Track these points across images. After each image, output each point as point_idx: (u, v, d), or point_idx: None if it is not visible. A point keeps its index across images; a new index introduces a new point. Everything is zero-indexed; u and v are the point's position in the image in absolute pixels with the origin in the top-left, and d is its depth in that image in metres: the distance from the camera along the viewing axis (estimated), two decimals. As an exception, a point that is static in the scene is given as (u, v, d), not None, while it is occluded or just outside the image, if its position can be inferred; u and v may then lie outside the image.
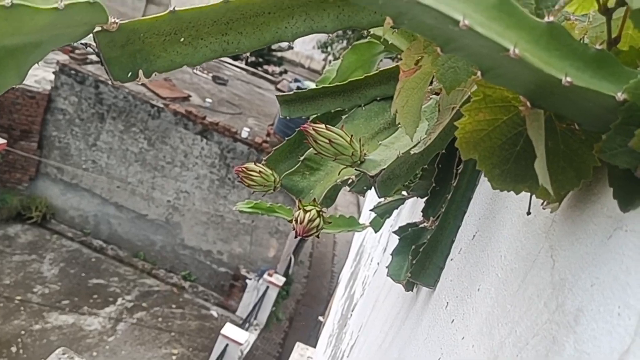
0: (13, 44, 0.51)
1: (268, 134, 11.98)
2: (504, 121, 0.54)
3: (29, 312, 10.38)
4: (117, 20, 0.60)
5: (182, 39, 0.66)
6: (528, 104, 0.49)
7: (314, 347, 7.21)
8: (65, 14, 0.50)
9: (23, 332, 9.87)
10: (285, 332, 13.48)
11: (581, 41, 0.49)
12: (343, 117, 1.15)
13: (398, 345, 1.21)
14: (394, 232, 1.39)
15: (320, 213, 1.00)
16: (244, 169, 1.08)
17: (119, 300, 11.65)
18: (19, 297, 10.58)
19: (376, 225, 2.06)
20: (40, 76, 12.07)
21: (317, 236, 1.01)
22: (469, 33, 0.42)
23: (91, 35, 0.61)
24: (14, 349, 9.46)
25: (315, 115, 1.20)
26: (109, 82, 11.63)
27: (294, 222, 0.99)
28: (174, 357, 10.78)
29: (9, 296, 10.50)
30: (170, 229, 12.67)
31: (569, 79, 0.44)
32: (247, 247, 12.55)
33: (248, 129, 11.85)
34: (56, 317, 10.54)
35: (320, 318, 10.08)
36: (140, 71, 0.65)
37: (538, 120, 0.50)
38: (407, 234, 1.30)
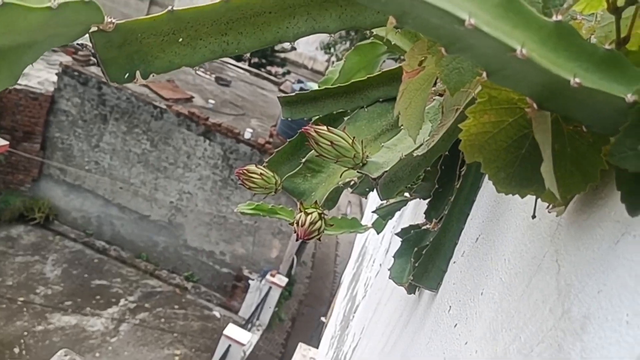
0: (5, 44, 0.50)
1: (271, 135, 11.98)
2: (510, 123, 0.53)
3: (32, 313, 10.39)
4: (113, 20, 0.59)
5: (180, 40, 0.65)
6: (535, 105, 0.48)
7: (317, 347, 7.20)
8: (59, 14, 0.49)
9: (26, 333, 9.88)
10: (288, 333, 13.47)
11: (589, 41, 0.47)
12: (345, 118, 1.14)
13: (400, 349, 1.20)
14: (397, 234, 1.38)
15: (322, 215, 0.99)
16: (245, 172, 1.07)
17: (122, 301, 11.66)
18: (21, 299, 10.59)
19: (378, 226, 2.05)
20: (43, 77, 12.09)
21: (319, 239, 1.00)
22: (475, 33, 0.41)
23: (88, 35, 0.59)
24: (16, 350, 9.47)
25: (317, 117, 1.19)
26: (112, 84, 11.58)
27: (295, 224, 0.98)
28: (177, 358, 10.78)
29: (11, 297, 10.51)
30: (173, 229, 12.68)
31: (577, 80, 0.42)
32: (249, 248, 12.54)
33: (251, 130, 11.84)
34: (59, 318, 10.55)
35: (323, 319, 10.07)
36: (138, 72, 0.64)
37: (545, 122, 0.49)
38: (410, 236, 1.29)
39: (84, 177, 12.57)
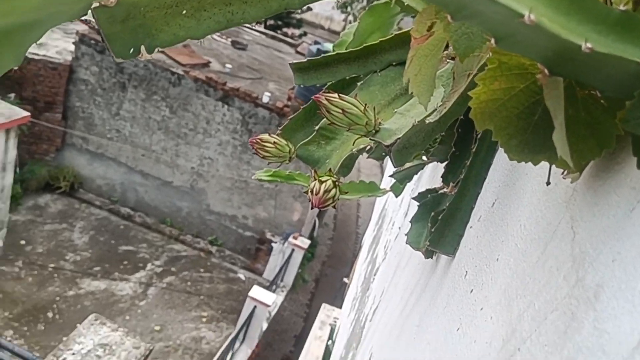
0: (8, 24, 0.50)
1: (289, 98, 11.91)
2: (521, 89, 0.51)
3: (63, 279, 10.71)
4: (115, -5, 0.58)
5: (184, 12, 0.64)
6: (546, 71, 0.46)
7: (340, 308, 7.31)
8: (58, -7, 0.48)
9: (58, 298, 10.21)
10: (312, 293, 13.71)
11: (606, 1, 0.45)
12: (358, 83, 1.12)
13: (418, 313, 1.21)
14: (414, 199, 1.38)
15: (337, 183, 0.99)
16: (259, 141, 1.07)
17: (149, 266, 11.94)
18: (52, 265, 10.91)
19: (397, 190, 2.04)
20: (61, 47, 12.12)
21: (334, 206, 1.00)
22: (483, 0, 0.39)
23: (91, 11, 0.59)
24: (50, 315, 9.81)
25: (330, 83, 1.17)
26: (118, 59, 11.55)
27: (309, 193, 0.98)
28: (204, 320, 11.07)
29: (42, 264, 10.83)
30: (195, 195, 12.84)
31: (589, 45, 0.41)
32: (271, 211, 12.66)
33: (269, 94, 11.79)
34: (89, 284, 10.86)
35: (345, 280, 10.20)
36: (143, 47, 0.63)
37: (557, 88, 0.47)
38: (427, 200, 1.28)
39: (106, 145, 12.72)
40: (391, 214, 3.99)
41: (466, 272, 0.91)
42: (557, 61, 0.45)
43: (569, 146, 0.51)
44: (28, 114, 7.73)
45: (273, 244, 12.39)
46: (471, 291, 0.84)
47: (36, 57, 11.28)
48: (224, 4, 0.66)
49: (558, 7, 0.42)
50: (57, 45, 12.10)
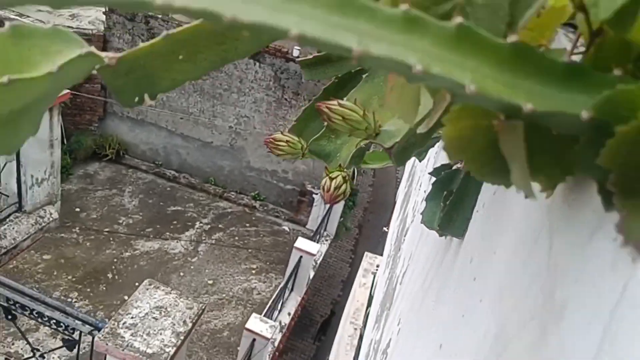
0: (21, 105, 0.56)
1: (319, 51, 11.75)
2: (486, 126, 0.55)
3: (118, 241, 11.20)
4: (114, 55, 0.64)
5: (181, 57, 0.69)
6: (502, 117, 0.50)
7: (382, 255, 7.43)
8: (61, 73, 0.54)
9: (115, 260, 10.72)
10: (356, 239, 13.94)
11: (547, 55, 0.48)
12: (364, 76, 1.15)
13: (435, 288, 1.27)
14: (430, 174, 1.41)
15: (346, 178, 1.04)
16: (272, 140, 1.12)
17: (197, 224, 12.33)
18: (107, 229, 11.41)
19: (419, 155, 2.07)
20: (93, 17, 12.24)
21: (345, 201, 1.05)
22: (427, 75, 0.43)
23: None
24: (109, 276, 10.34)
25: (337, 75, 1.21)
26: (159, 17, 11.77)
27: (321, 190, 1.04)
28: (254, 271, 11.45)
29: (98, 229, 11.33)
30: (235, 153, 13.04)
31: (529, 106, 0.44)
32: (310, 164, 12.76)
33: (299, 48, 11.67)
34: (142, 244, 11.33)
35: (385, 229, 10.31)
36: (146, 95, 0.69)
37: (515, 131, 0.51)
38: (440, 177, 1.31)
39: (146, 112, 12.96)
40: (419, 174, 3.99)
41: (471, 258, 0.96)
42: (510, 112, 0.49)
43: (538, 170, 0.55)
44: (68, 90, 7.95)
45: (314, 196, 12.56)
46: (474, 279, 0.89)
47: (71, 29, 11.43)
48: (217, 43, 0.70)
49: (503, 64, 0.46)
50: (89, 15, 12.22)
